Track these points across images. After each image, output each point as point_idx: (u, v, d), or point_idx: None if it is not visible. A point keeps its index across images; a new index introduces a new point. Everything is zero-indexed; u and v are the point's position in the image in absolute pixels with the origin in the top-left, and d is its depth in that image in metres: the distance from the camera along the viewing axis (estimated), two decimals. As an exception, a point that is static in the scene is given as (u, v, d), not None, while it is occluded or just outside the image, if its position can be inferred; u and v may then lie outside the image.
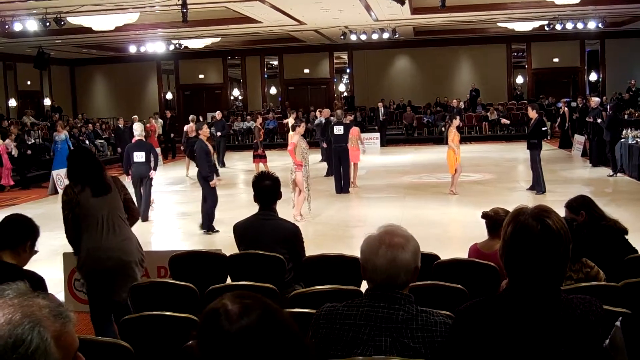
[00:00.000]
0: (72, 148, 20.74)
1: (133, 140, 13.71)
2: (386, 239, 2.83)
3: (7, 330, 1.60)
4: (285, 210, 11.16)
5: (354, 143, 16.59)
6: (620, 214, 5.93)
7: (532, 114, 14.72)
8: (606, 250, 5.36)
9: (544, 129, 14.88)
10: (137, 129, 13.81)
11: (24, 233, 4.57)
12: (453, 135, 14.84)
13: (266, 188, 5.95)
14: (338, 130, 16.16)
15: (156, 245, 11.79)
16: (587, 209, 5.68)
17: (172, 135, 27.87)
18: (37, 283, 4.39)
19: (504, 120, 22.21)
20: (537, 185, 14.65)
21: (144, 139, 14.06)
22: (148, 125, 22.93)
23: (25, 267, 4.69)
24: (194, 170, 20.38)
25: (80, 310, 7.66)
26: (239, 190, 16.45)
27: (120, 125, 24.13)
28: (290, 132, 19.72)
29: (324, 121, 20.54)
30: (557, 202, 12.46)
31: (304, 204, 12.89)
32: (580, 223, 5.55)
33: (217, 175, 11.82)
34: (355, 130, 16.86)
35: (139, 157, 13.39)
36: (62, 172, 19.31)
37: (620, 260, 5.34)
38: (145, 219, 13.47)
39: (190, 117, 21.40)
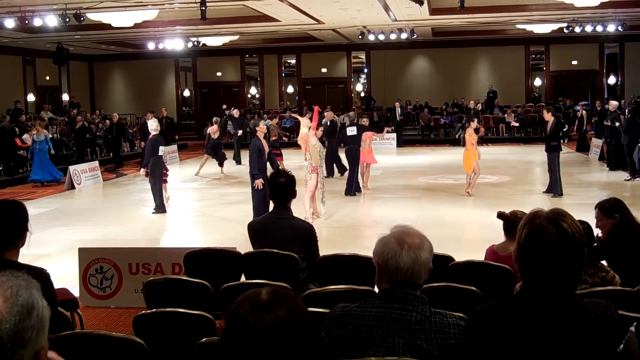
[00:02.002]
0: (52, 150, 20.48)
1: (150, 136, 13.89)
2: (406, 239, 2.83)
3: (12, 301, 1.60)
4: (301, 209, 11.18)
5: (367, 145, 16.44)
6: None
7: (548, 116, 14.62)
8: (627, 256, 5.31)
9: (564, 130, 14.75)
10: (153, 124, 13.99)
11: (20, 224, 4.00)
12: (471, 136, 14.85)
13: (281, 185, 5.95)
14: (351, 131, 15.98)
15: (171, 242, 11.85)
16: (621, 212, 5.55)
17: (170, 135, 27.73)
18: (40, 276, 4.34)
19: (513, 123, 22.21)
20: (554, 188, 14.57)
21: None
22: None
23: (34, 264, 4.63)
24: (204, 169, 20.58)
25: (95, 306, 7.73)
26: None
27: (148, 120, 23.81)
28: (305, 131, 19.67)
29: (329, 123, 20.36)
30: (573, 205, 12.45)
31: (317, 203, 12.85)
32: (616, 225, 5.48)
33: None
34: (368, 133, 16.69)
35: (162, 151, 13.87)
36: (79, 167, 19.39)
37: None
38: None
39: (214, 119, 21.36)
